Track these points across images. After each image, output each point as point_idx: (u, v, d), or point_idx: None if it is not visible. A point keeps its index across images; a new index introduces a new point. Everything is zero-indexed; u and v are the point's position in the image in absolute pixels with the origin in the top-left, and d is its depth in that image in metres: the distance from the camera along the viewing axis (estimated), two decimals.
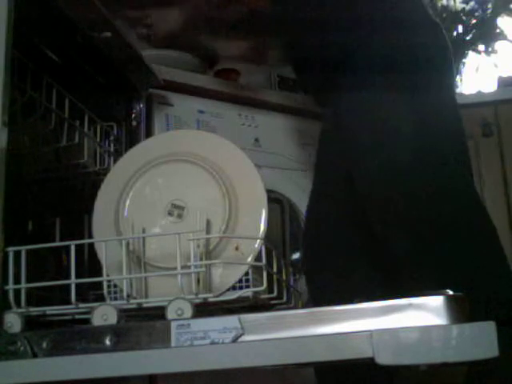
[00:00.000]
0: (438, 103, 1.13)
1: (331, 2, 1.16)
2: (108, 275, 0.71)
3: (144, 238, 0.74)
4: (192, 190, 0.76)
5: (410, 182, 1.08)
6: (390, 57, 1.11)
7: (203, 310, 0.68)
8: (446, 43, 1.19)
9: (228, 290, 0.72)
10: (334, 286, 1.19)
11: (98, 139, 1.06)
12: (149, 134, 1.35)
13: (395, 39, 1.12)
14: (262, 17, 1.28)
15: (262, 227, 0.74)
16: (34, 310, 0.69)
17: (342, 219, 1.22)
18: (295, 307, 0.84)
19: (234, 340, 0.58)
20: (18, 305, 0.67)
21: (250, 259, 0.72)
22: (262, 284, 0.70)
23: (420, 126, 1.09)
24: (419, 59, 1.12)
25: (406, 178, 1.08)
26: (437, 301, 0.54)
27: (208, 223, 0.73)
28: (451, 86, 1.19)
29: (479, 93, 1.90)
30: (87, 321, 0.67)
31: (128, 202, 0.77)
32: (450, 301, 0.54)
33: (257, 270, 0.73)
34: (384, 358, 0.53)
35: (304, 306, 1.02)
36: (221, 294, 0.71)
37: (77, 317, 0.71)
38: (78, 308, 0.69)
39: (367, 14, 1.13)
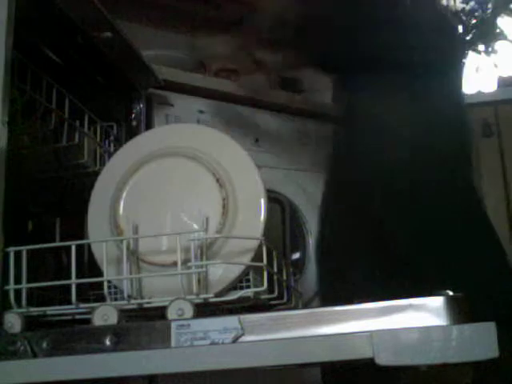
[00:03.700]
0: (447, 103, 1.13)
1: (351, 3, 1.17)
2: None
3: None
4: (188, 185, 0.76)
5: (412, 181, 1.08)
6: (407, 57, 1.11)
7: (203, 310, 0.68)
8: (460, 45, 1.19)
9: (229, 290, 0.72)
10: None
11: (98, 139, 1.06)
12: None
13: (411, 40, 1.12)
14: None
15: (262, 219, 0.74)
16: (35, 310, 0.69)
17: (357, 233, 1.22)
18: (295, 307, 0.84)
19: (234, 340, 0.58)
20: (19, 305, 0.67)
21: (249, 259, 0.72)
22: (262, 284, 0.70)
23: (426, 125, 1.10)
24: (434, 59, 1.13)
25: (406, 177, 1.08)
26: (437, 301, 0.54)
27: (206, 220, 0.72)
28: (460, 85, 1.20)
29: (479, 93, 1.89)
30: (87, 321, 0.67)
31: (123, 200, 0.76)
32: (450, 301, 0.54)
33: (257, 270, 0.73)
34: (384, 359, 0.53)
35: (305, 306, 1.01)
36: (222, 295, 0.71)
37: (77, 317, 0.71)
38: (79, 308, 0.69)
39: (383, 15, 1.13)
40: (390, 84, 1.12)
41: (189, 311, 0.62)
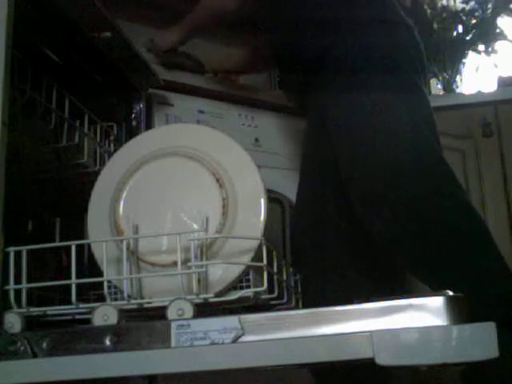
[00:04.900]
0: (410, 103, 1.14)
1: (307, 3, 1.19)
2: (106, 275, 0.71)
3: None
4: (188, 185, 0.76)
5: (403, 182, 1.08)
6: (365, 58, 1.13)
7: (203, 310, 0.68)
8: (417, 45, 1.20)
9: (229, 290, 0.72)
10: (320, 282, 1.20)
11: (98, 139, 1.06)
12: None
13: (365, 41, 1.14)
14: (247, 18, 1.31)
15: (262, 219, 0.74)
16: (35, 310, 0.69)
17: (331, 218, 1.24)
18: (295, 307, 0.84)
19: (234, 340, 0.58)
20: (19, 305, 0.67)
21: (249, 259, 0.72)
22: (262, 284, 0.70)
23: (399, 124, 1.11)
24: (389, 59, 1.14)
25: (397, 177, 1.09)
26: (437, 301, 0.54)
27: (206, 220, 0.73)
28: (422, 86, 1.20)
29: (479, 93, 1.89)
30: (87, 321, 0.67)
31: (123, 200, 0.76)
32: (450, 301, 0.54)
33: (257, 270, 0.73)
34: (384, 359, 0.53)
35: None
36: (222, 295, 0.71)
37: (77, 317, 0.71)
38: (79, 308, 0.69)
39: (339, 16, 1.15)
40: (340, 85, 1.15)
41: (189, 311, 0.62)
